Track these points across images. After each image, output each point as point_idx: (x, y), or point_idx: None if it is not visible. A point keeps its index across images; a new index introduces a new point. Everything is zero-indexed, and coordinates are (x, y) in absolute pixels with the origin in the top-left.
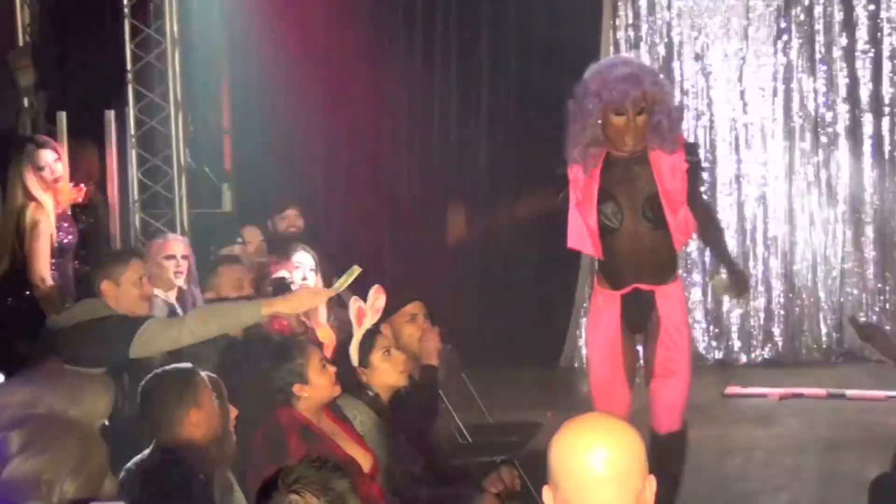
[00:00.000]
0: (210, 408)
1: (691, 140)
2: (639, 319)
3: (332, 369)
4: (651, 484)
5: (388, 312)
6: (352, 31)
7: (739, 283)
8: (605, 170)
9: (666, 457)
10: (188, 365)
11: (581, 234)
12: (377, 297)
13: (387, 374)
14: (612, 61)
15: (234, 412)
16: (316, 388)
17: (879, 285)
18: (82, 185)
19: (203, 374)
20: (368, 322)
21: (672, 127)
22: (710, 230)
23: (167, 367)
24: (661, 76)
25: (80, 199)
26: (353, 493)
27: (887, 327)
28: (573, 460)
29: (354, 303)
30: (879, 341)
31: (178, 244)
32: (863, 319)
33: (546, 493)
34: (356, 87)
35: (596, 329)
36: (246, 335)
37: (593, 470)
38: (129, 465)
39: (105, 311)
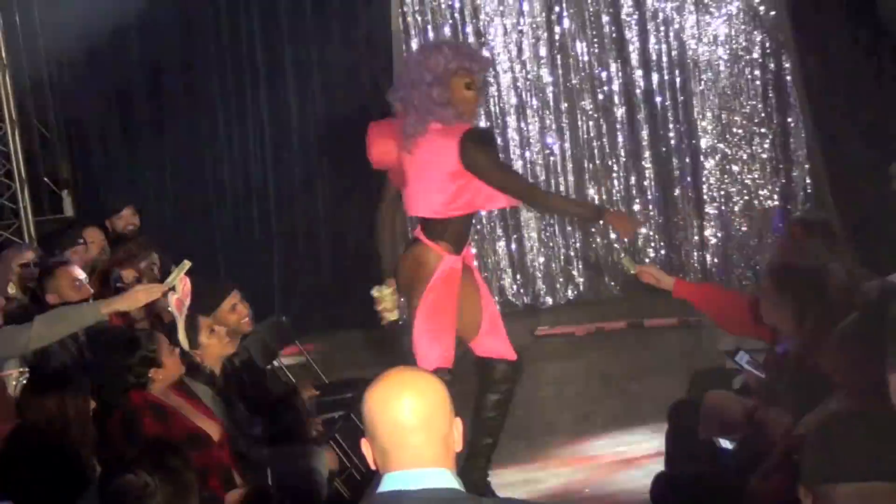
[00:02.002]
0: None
1: None
2: None
3: (177, 350)
4: (458, 426)
5: (209, 299)
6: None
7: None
8: None
9: None
10: None
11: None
12: (184, 284)
13: (215, 347)
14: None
15: (92, 404)
16: (168, 369)
17: (662, 221)
18: None
19: None
20: (185, 308)
21: None
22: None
23: None
24: None
25: None
26: (188, 468)
27: (674, 258)
28: (383, 412)
29: (172, 295)
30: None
31: (30, 253)
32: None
33: (364, 445)
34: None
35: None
36: (100, 330)
37: (402, 419)
38: None
39: None
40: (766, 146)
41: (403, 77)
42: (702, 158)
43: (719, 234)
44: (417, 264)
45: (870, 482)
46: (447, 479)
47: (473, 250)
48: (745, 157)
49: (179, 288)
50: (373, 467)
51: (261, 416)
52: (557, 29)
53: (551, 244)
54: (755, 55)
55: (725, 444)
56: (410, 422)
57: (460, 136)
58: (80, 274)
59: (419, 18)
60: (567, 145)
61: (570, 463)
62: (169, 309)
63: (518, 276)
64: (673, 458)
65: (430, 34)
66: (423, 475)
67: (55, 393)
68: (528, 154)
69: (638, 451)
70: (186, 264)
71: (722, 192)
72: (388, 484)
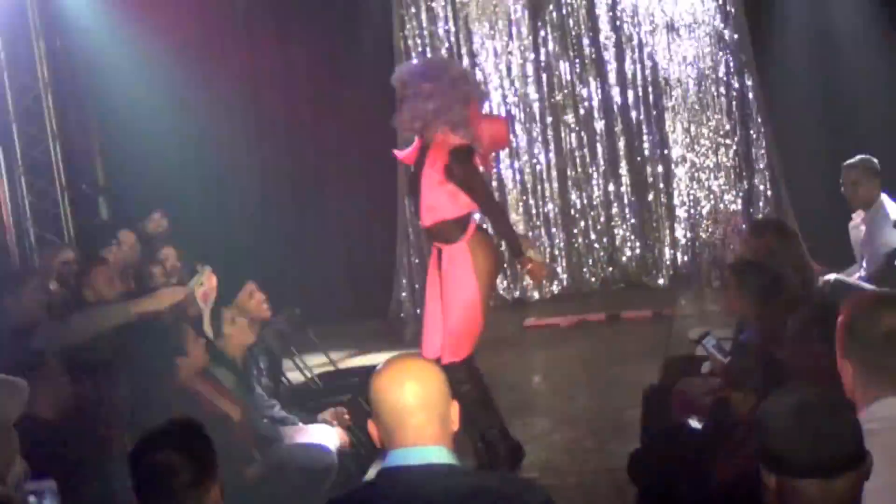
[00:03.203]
0: None
1: None
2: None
3: (202, 340)
4: (455, 408)
5: (231, 292)
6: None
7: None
8: None
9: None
10: None
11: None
12: (210, 279)
13: (238, 337)
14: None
15: None
16: (194, 357)
17: (637, 224)
18: None
19: None
20: (211, 301)
21: None
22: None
23: None
24: None
25: None
26: (211, 447)
27: (649, 257)
28: (387, 395)
29: (199, 288)
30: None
31: (69, 252)
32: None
33: (371, 425)
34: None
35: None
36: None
37: (404, 401)
38: None
39: None
40: (730, 155)
41: (430, 75)
42: (673, 166)
43: (689, 235)
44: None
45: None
46: (445, 455)
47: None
48: (711, 165)
49: (206, 282)
50: (378, 445)
51: (277, 398)
52: (543, 51)
53: (538, 244)
54: (721, 74)
55: (695, 423)
56: (412, 403)
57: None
58: (115, 272)
59: (418, 41)
60: (551, 155)
61: (555, 439)
62: (197, 301)
63: (508, 273)
64: (647, 437)
65: (428, 56)
66: (424, 452)
67: (91, 379)
68: (516, 163)
69: (615, 431)
70: (207, 269)
71: (691, 197)
72: (392, 460)
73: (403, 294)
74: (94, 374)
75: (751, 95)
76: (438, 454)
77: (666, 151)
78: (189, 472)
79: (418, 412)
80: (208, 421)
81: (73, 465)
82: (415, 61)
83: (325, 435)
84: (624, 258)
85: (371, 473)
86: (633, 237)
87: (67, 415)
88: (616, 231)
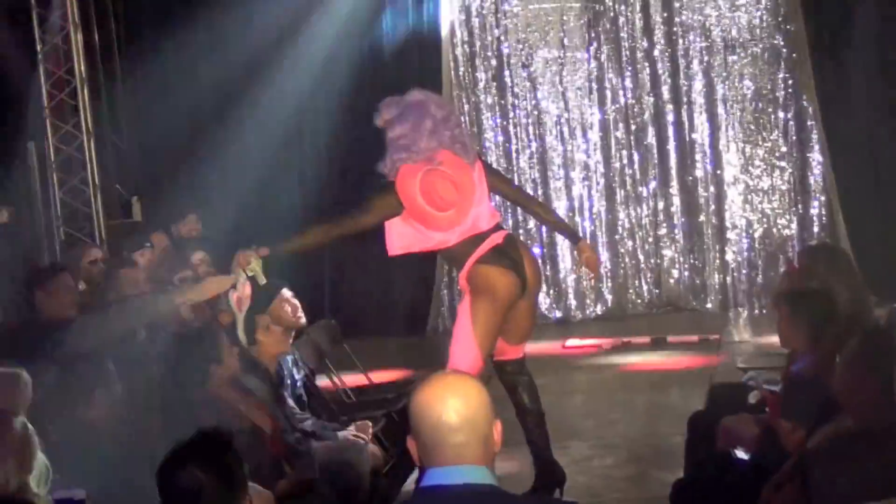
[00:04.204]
0: None
1: None
2: None
3: (236, 349)
4: (497, 427)
5: (264, 297)
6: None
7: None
8: None
9: None
10: None
11: None
12: (245, 286)
13: (271, 346)
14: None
15: None
16: (227, 366)
17: (688, 245)
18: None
19: None
20: (245, 308)
21: None
22: None
23: None
24: None
25: (5, 219)
26: (239, 463)
27: (697, 280)
28: (428, 411)
29: (233, 293)
30: None
31: (96, 250)
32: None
33: (409, 442)
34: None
35: None
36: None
37: (445, 419)
38: None
39: None
40: (785, 178)
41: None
42: (725, 188)
43: (739, 259)
44: None
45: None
46: (485, 476)
47: None
48: (765, 187)
49: (240, 287)
50: (416, 463)
51: (310, 412)
52: (595, 62)
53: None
54: (779, 93)
55: (741, 454)
56: (453, 421)
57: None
58: (141, 275)
59: (466, 49)
60: (600, 171)
61: (594, 465)
62: (229, 304)
63: (551, 292)
64: (691, 466)
65: (478, 63)
66: (463, 471)
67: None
68: (562, 178)
69: (657, 459)
70: (243, 275)
71: (743, 220)
72: (430, 479)
73: (443, 308)
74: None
75: (809, 117)
76: (479, 474)
77: (719, 172)
78: (218, 490)
79: (460, 431)
80: (237, 432)
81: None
82: (399, 98)
83: (358, 451)
84: (671, 280)
85: (407, 491)
86: (681, 259)
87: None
88: (664, 252)
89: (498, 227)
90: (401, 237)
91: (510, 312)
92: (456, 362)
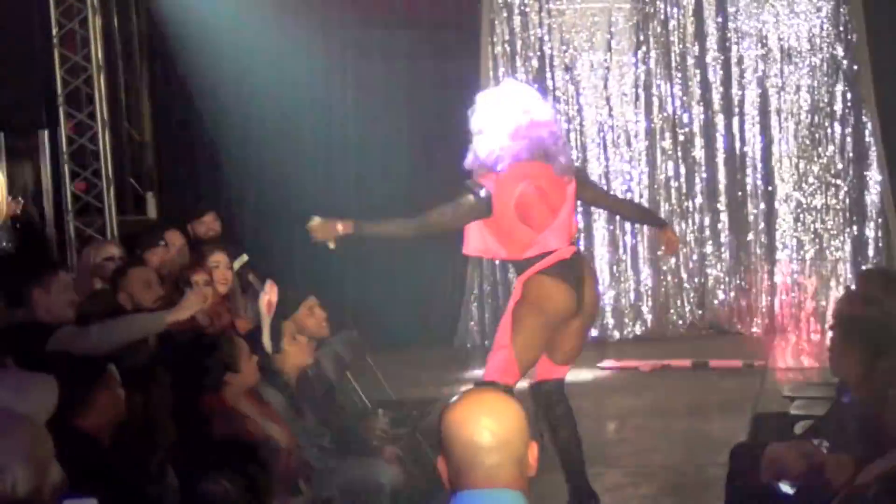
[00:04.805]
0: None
1: None
2: None
3: (255, 357)
4: (533, 449)
5: (290, 304)
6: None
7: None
8: None
9: None
10: None
11: None
12: (272, 290)
13: (296, 356)
14: None
15: None
16: (244, 375)
17: (734, 265)
18: (20, 198)
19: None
20: (272, 310)
21: None
22: None
23: None
24: None
25: (18, 212)
26: (265, 473)
27: (743, 302)
28: (460, 431)
29: (264, 296)
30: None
31: (113, 247)
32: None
33: (440, 462)
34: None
35: None
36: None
37: (478, 439)
38: None
39: None
40: (840, 197)
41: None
42: (776, 205)
43: (789, 281)
44: None
45: None
46: (518, 501)
47: None
48: (818, 206)
49: (269, 290)
50: (446, 486)
51: (329, 427)
52: (643, 67)
53: (622, 280)
54: (836, 107)
55: (785, 488)
56: (487, 442)
57: None
58: (153, 275)
59: (507, 48)
60: (644, 183)
61: (629, 494)
62: (251, 310)
63: None
64: (733, 499)
65: (518, 64)
66: (496, 496)
67: (140, 389)
68: (607, 187)
69: (696, 490)
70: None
71: (794, 240)
72: (460, 502)
73: (472, 323)
74: (144, 384)
75: (868, 133)
76: (511, 499)
77: (770, 188)
78: (242, 501)
79: (493, 452)
80: (252, 445)
81: (116, 486)
82: (495, 91)
83: (380, 470)
84: (716, 301)
85: None
86: (726, 279)
87: (116, 432)
88: (709, 271)
89: (571, 242)
90: (481, 240)
91: (561, 329)
92: (490, 371)
